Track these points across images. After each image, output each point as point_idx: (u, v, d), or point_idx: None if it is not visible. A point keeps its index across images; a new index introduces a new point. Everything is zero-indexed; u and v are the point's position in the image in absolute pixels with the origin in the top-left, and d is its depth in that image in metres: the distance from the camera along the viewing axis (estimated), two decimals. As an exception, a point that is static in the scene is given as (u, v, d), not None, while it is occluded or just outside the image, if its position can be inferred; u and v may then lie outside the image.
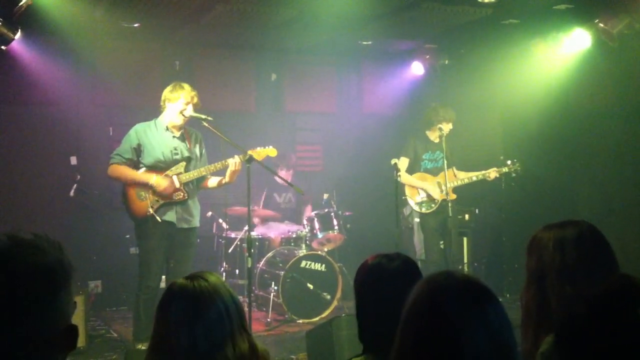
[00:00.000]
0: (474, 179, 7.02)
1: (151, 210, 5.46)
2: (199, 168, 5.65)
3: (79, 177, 7.50)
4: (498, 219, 8.19)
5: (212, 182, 5.78)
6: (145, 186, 5.49)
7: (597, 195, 7.18)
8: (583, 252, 2.23)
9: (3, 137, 7.38)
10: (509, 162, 7.04)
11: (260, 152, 5.74)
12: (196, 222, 5.73)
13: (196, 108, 5.56)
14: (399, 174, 6.53)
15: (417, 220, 7.49)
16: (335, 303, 7.00)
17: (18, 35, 6.48)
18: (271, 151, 5.82)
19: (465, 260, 7.79)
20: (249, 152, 5.49)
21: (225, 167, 5.59)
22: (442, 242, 7.02)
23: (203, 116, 5.47)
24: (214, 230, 7.77)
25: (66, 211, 7.58)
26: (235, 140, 5.56)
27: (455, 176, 7.03)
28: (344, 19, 6.83)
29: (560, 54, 7.05)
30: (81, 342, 5.77)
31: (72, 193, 7.45)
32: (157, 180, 5.47)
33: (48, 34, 6.91)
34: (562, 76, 7.23)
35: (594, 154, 7.22)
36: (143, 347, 5.55)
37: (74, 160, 7.62)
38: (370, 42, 8.18)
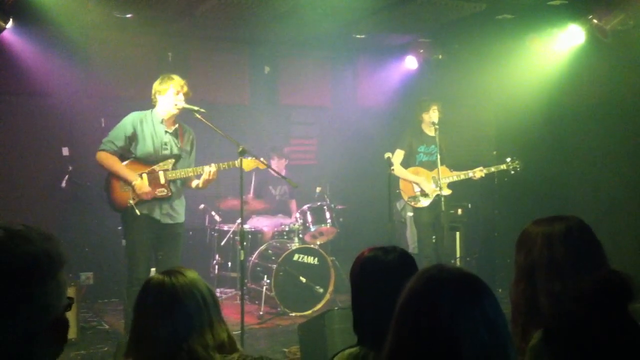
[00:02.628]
0: (462, 177, 7.02)
1: (131, 202, 5.40)
2: (187, 167, 5.60)
3: (70, 168, 7.47)
4: (491, 214, 8.20)
5: (195, 183, 5.70)
6: (127, 183, 5.44)
7: (590, 191, 7.20)
8: (571, 247, 2.23)
9: (-6, 127, 7.36)
10: (508, 159, 7.03)
11: (250, 163, 5.58)
12: (181, 218, 5.65)
13: (187, 97, 5.50)
14: (392, 168, 6.53)
15: (410, 214, 7.52)
16: (327, 296, 7.01)
17: (9, 24, 6.44)
18: (261, 163, 5.64)
19: (458, 255, 7.81)
20: (237, 161, 5.40)
21: (201, 173, 5.56)
22: (434, 237, 7.02)
23: (196, 108, 5.41)
24: (206, 223, 7.76)
25: (58, 202, 7.55)
26: (229, 134, 5.52)
27: (450, 172, 7.04)
28: (338, 12, 6.82)
29: (554, 49, 7.06)
30: (72, 333, 5.76)
31: (63, 184, 7.42)
32: (140, 183, 5.39)
33: (40, 24, 6.86)
34: (556, 72, 7.24)
35: (587, 150, 7.24)
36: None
37: (65, 151, 7.58)
38: (364, 36, 8.16)
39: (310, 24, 7.37)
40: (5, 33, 6.60)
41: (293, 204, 8.11)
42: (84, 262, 7.53)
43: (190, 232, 7.80)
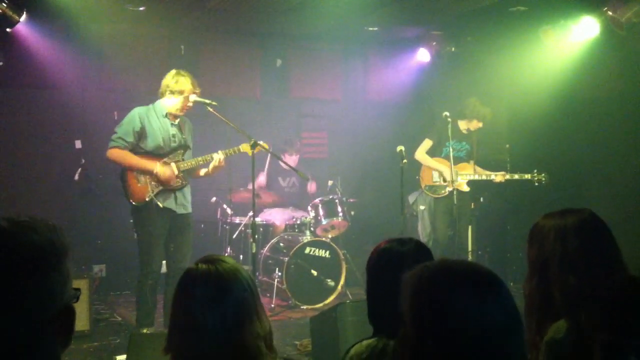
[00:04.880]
0: (484, 177, 7.08)
1: (152, 195, 5.48)
2: (189, 157, 5.70)
3: (83, 161, 7.51)
4: (503, 208, 8.16)
5: (203, 171, 5.80)
6: (148, 173, 5.50)
7: (604, 185, 7.14)
8: (584, 240, 2.21)
9: (8, 120, 7.39)
10: (535, 171, 7.01)
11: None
12: (190, 207, 5.77)
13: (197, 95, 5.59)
14: (404, 160, 6.51)
15: (422, 207, 7.54)
16: (339, 289, 7.02)
17: (23, 17, 6.46)
18: (263, 145, 5.77)
19: (470, 249, 7.79)
20: (242, 145, 5.65)
21: (210, 161, 5.66)
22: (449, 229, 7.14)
23: (208, 101, 5.47)
24: (218, 216, 7.77)
25: (71, 195, 7.59)
26: (241, 126, 5.55)
27: (474, 171, 7.09)
28: (350, 4, 6.79)
29: (568, 42, 6.99)
30: (85, 325, 5.80)
31: (76, 177, 7.46)
32: (161, 169, 5.48)
33: (53, 17, 6.89)
34: (570, 64, 7.17)
35: (600, 143, 7.18)
36: (147, 331, 5.58)
37: (78, 144, 7.61)
38: (376, 29, 8.13)
39: (322, 17, 7.35)
40: (19, 26, 6.62)
41: (313, 186, 8.06)
42: (97, 254, 7.57)
43: (202, 225, 7.81)
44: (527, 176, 7.03)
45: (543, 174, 6.99)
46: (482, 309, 1.38)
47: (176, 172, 5.56)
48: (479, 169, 7.15)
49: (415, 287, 1.46)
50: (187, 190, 5.73)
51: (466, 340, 1.36)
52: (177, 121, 5.66)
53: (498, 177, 7.04)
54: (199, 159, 5.64)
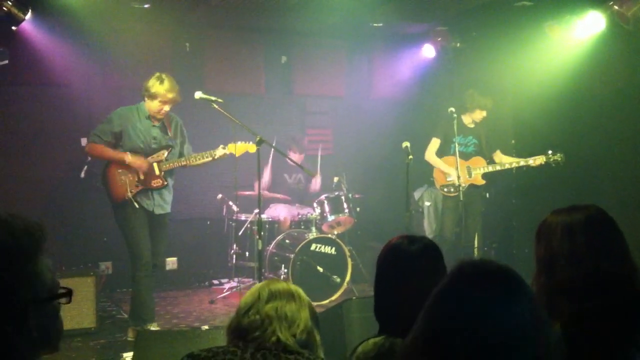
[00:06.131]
0: (498, 168, 7.08)
1: (130, 195, 5.61)
2: (178, 155, 5.82)
3: (89, 158, 7.50)
4: (509, 204, 8.14)
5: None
6: (123, 166, 5.63)
7: (611, 180, 7.11)
8: (592, 237, 2.19)
9: (14, 118, 7.40)
10: (549, 152, 6.90)
11: (240, 147, 5.90)
12: (169, 208, 5.91)
13: (174, 104, 5.69)
14: (410, 157, 6.50)
15: (427, 203, 7.55)
16: (345, 286, 7.02)
17: (28, 15, 6.47)
18: (251, 147, 5.89)
19: (476, 245, 7.77)
20: (229, 146, 5.82)
21: (207, 158, 5.81)
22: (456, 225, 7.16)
23: (213, 98, 5.47)
24: (224, 213, 7.78)
25: (77, 192, 7.60)
26: (245, 123, 5.55)
27: (487, 163, 7.12)
28: (355, 1, 6.77)
29: (574, 37, 6.96)
30: (91, 323, 5.84)
31: (82, 174, 7.47)
32: (131, 159, 5.61)
33: (58, 15, 6.89)
34: (576, 59, 7.14)
35: (607, 139, 7.14)
36: (153, 328, 5.60)
37: (84, 142, 7.61)
38: (381, 25, 8.11)
39: (326, 13, 7.33)
40: (24, 24, 6.63)
41: (316, 183, 8.04)
42: (103, 252, 7.59)
43: (208, 222, 7.83)
44: (542, 158, 6.92)
45: (559, 154, 6.86)
46: (512, 314, 1.35)
47: (157, 172, 5.70)
48: (505, 157, 7.11)
49: (450, 292, 1.41)
50: (166, 191, 5.86)
51: (495, 345, 1.33)
52: (159, 122, 5.76)
53: (512, 163, 7.03)
54: (182, 160, 5.80)
